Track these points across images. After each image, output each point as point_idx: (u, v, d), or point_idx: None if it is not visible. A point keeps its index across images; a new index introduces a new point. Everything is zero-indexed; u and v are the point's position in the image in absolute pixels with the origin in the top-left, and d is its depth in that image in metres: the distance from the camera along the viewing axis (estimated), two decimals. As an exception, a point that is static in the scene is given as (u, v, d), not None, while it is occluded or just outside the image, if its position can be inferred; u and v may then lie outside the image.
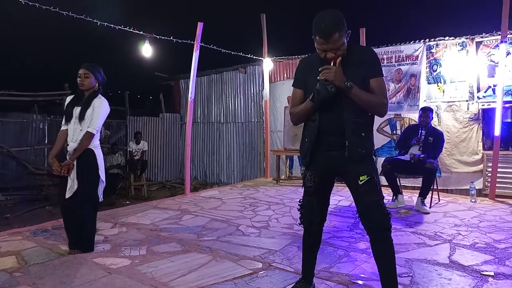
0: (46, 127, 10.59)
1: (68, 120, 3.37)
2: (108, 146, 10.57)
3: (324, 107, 2.25)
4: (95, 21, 5.45)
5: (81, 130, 3.30)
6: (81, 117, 3.30)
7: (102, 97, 3.44)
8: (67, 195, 3.24)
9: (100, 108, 3.35)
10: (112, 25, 5.64)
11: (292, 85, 2.49)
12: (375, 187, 2.25)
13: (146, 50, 6.21)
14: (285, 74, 9.02)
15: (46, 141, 10.51)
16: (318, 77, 2.17)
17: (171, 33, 6.37)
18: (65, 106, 3.44)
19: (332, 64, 2.18)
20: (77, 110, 3.35)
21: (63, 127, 3.41)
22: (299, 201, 2.53)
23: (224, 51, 7.34)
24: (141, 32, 6.01)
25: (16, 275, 2.85)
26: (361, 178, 2.23)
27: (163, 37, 6.26)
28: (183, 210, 5.18)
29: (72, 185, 3.25)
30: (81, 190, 3.26)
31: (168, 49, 7.37)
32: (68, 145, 3.34)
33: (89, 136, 3.29)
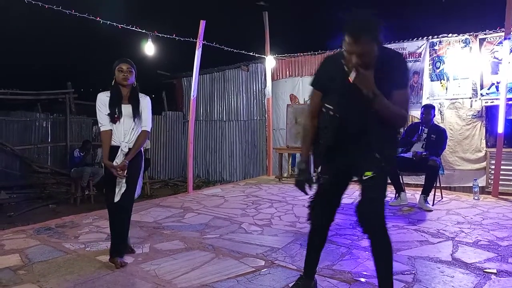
0: (49, 125, 10.60)
1: (116, 120, 3.11)
2: (111, 145, 10.57)
3: (341, 108, 2.16)
4: (97, 19, 5.47)
5: (133, 129, 3.16)
6: (137, 115, 3.16)
7: (144, 95, 3.31)
8: (117, 199, 3.06)
9: (149, 107, 3.28)
10: (114, 24, 5.64)
11: (311, 84, 2.36)
12: (379, 185, 2.20)
13: (149, 48, 6.22)
14: (288, 71, 8.99)
15: (49, 140, 10.54)
16: (348, 78, 1.99)
17: (173, 31, 6.38)
18: (100, 106, 3.12)
19: (353, 72, 1.99)
20: (126, 109, 3.15)
21: (107, 128, 3.11)
22: (309, 199, 2.47)
23: (227, 49, 7.34)
24: (143, 31, 6.02)
25: (20, 273, 2.88)
26: (366, 173, 2.18)
27: (165, 35, 6.27)
28: (185, 208, 5.19)
29: (121, 187, 3.06)
30: (128, 191, 3.11)
31: (171, 47, 7.37)
32: (119, 145, 3.11)
33: (146, 135, 3.23)
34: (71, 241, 3.67)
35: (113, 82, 3.16)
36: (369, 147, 2.14)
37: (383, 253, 2.24)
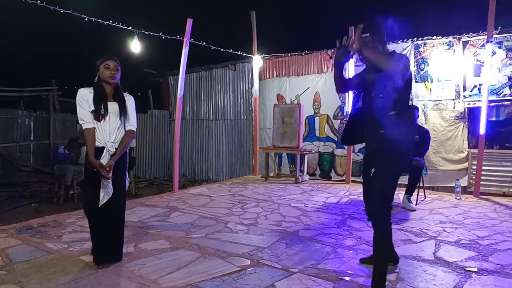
0: (32, 123, 10.43)
1: (101, 118, 2.95)
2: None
3: (362, 103, 2.74)
4: (83, 16, 5.39)
5: (118, 128, 3.03)
6: (123, 114, 3.04)
7: (128, 94, 3.18)
8: (104, 201, 2.92)
9: (133, 105, 3.17)
10: (100, 21, 5.57)
11: None
12: (377, 180, 2.57)
13: (135, 46, 6.16)
14: (275, 71, 9.02)
15: (32, 137, 10.36)
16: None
17: (160, 29, 6.33)
18: (81, 102, 2.94)
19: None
20: (112, 107, 3.00)
21: (90, 126, 2.93)
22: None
23: (214, 48, 7.32)
24: (130, 28, 5.95)
25: (1, 273, 2.82)
26: (372, 170, 2.60)
27: (152, 33, 6.22)
28: (171, 207, 5.16)
29: (107, 189, 2.93)
30: (120, 198, 3.03)
31: (157, 45, 7.31)
32: (104, 146, 2.96)
33: (132, 134, 3.11)
34: (53, 241, 3.61)
35: (96, 79, 3.03)
36: (376, 126, 2.56)
37: (375, 242, 2.55)
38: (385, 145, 2.56)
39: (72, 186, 8.13)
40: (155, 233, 3.93)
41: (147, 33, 6.15)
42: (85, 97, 2.96)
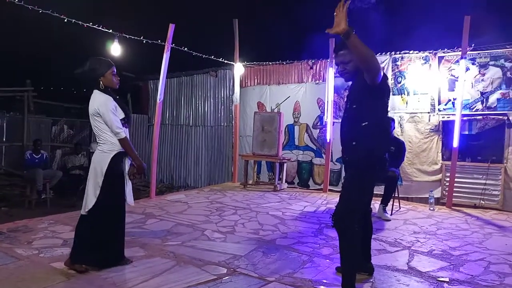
0: (5, 124, 10.12)
1: (129, 125, 3.17)
2: (71, 146, 10.28)
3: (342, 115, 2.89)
4: (62, 17, 5.29)
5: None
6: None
7: None
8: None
9: None
10: (80, 22, 5.48)
11: None
12: (343, 189, 2.77)
13: (115, 49, 6.07)
14: (256, 79, 9.06)
15: (4, 139, 10.04)
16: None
17: (141, 33, 6.27)
18: (114, 109, 2.98)
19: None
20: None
21: (124, 134, 3.06)
22: None
23: (196, 54, 7.30)
24: (110, 31, 5.88)
25: (-34, 280, 2.71)
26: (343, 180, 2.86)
27: (133, 37, 6.16)
28: (147, 214, 5.08)
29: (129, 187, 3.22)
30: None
31: (138, 49, 7.24)
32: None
33: None
34: (23, 247, 3.50)
35: (101, 85, 3.00)
36: (349, 137, 2.71)
37: (340, 250, 2.68)
38: (355, 157, 2.67)
39: (44, 190, 7.90)
40: (130, 240, 3.85)
41: (127, 36, 6.08)
42: (114, 104, 2.98)
